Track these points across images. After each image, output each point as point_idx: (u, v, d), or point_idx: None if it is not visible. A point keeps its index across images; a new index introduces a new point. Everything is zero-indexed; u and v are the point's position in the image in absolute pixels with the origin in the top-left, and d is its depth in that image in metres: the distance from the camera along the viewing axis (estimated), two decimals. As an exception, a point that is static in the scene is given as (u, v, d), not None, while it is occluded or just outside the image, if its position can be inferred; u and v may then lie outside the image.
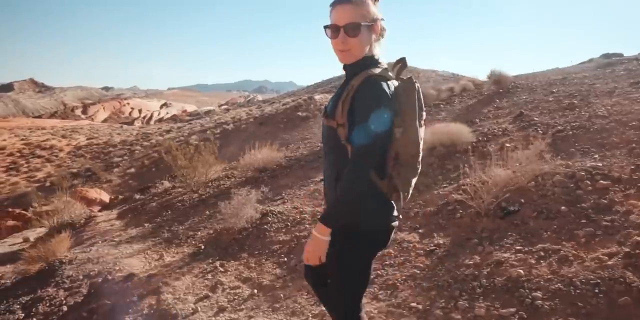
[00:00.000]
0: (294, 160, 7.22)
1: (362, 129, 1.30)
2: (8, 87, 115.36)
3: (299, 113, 17.87)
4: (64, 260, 4.65)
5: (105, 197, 10.18)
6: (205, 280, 3.62)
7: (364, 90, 1.33)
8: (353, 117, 1.35)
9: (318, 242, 1.38)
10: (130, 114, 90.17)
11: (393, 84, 1.40)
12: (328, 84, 34.55)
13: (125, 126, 43.70)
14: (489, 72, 9.40)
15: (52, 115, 75.03)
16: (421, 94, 1.44)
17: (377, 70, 1.39)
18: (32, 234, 6.78)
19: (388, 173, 1.41)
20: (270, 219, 4.58)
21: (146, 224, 6.02)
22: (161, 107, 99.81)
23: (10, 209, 12.15)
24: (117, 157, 22.04)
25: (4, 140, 33.08)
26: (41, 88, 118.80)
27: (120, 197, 9.69)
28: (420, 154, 1.47)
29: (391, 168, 1.41)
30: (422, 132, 1.45)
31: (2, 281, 4.81)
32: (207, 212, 5.62)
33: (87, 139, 32.49)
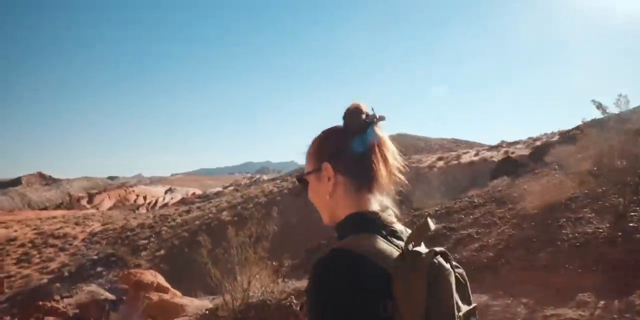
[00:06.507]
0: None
1: None
2: (16, 182, 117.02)
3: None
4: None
5: (162, 280, 8.76)
6: None
7: (310, 280, 0.85)
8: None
9: None
10: (135, 201, 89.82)
11: (386, 263, 0.82)
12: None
13: (137, 211, 42.77)
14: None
15: (58, 207, 74.33)
16: (452, 285, 0.82)
17: (355, 238, 0.86)
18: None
19: None
20: None
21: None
22: (166, 192, 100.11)
23: (40, 303, 10.63)
24: (143, 240, 20.70)
25: (15, 231, 31.80)
26: (48, 180, 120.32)
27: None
28: None
29: None
30: None
31: None
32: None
33: (102, 225, 31.33)
